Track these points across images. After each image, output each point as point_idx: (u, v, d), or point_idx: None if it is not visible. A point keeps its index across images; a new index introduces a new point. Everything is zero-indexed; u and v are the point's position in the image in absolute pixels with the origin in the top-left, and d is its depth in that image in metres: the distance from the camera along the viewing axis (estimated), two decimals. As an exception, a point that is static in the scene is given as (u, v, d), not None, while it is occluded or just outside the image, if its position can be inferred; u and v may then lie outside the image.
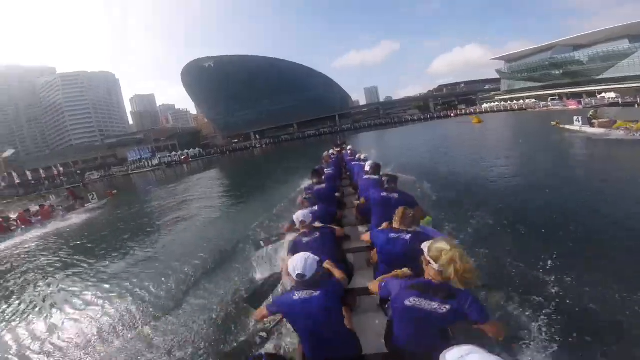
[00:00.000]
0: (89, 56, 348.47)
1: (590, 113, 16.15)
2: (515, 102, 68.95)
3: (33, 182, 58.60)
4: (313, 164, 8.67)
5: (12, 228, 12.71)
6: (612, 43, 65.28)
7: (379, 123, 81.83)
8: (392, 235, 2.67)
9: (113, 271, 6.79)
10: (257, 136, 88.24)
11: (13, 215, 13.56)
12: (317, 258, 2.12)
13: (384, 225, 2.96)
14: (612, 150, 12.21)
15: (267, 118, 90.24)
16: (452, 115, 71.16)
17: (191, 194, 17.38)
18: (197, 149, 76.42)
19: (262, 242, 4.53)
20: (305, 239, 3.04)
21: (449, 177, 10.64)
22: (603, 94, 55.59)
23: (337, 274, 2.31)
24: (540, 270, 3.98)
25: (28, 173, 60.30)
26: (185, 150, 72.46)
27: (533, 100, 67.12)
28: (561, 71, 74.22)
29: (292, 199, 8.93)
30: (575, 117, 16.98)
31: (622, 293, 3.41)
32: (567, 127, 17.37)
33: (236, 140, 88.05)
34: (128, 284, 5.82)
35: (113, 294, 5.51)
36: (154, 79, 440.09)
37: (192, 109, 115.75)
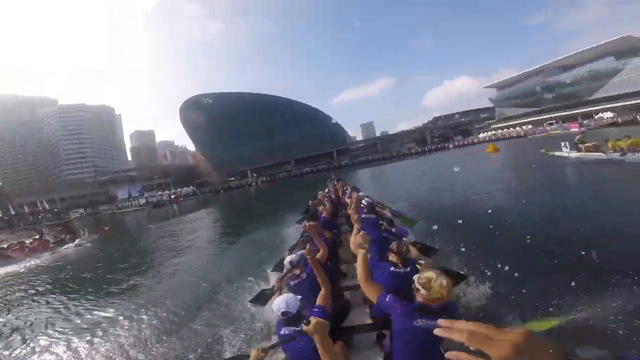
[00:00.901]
0: (91, 91, 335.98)
1: (577, 138, 17.22)
2: (512, 129, 68.34)
3: (15, 216, 55.90)
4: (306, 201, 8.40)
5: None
6: (598, 62, 65.08)
7: (377, 158, 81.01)
8: (393, 269, 2.79)
9: (102, 304, 6.93)
10: (254, 174, 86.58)
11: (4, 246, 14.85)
12: (298, 297, 2.26)
13: None
14: (596, 172, 13.19)
15: (263, 155, 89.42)
16: (451, 146, 71.52)
17: (181, 236, 17.21)
18: (190, 187, 74.67)
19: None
20: (292, 282, 3.06)
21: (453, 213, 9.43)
22: (600, 114, 54.39)
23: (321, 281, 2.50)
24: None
25: (10, 207, 57.72)
26: (179, 189, 70.69)
27: (529, 126, 66.44)
28: (553, 94, 74.18)
29: (283, 238, 8.79)
30: (562, 143, 17.90)
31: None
32: (557, 153, 18.02)
33: (233, 179, 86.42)
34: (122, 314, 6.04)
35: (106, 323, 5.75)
36: (156, 116, 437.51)
37: (191, 145, 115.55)
